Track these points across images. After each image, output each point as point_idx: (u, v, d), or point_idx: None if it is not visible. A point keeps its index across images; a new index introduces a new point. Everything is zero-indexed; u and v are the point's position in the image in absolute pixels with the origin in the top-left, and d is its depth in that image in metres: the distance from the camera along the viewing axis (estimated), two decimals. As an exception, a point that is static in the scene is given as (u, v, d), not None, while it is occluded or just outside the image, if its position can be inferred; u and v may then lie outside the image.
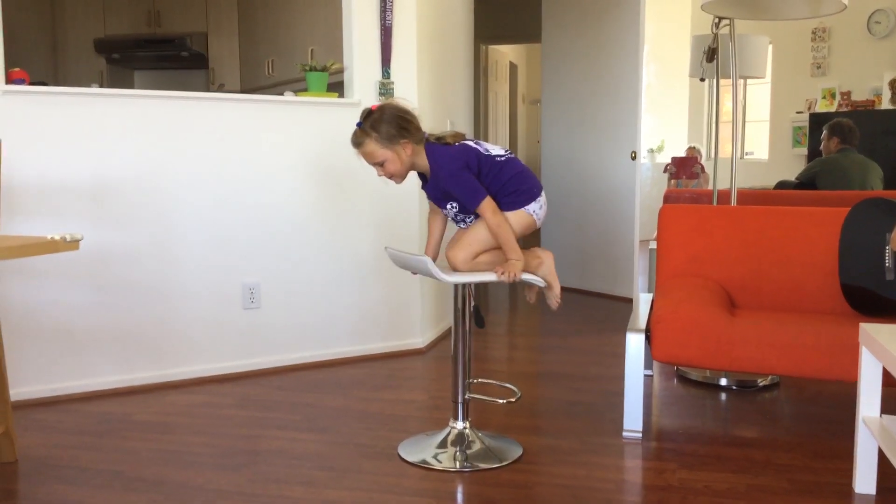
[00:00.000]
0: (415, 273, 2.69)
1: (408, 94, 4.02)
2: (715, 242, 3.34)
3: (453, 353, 2.76)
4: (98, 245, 3.41)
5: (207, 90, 6.65)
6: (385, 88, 4.03)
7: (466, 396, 2.73)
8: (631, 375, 2.85)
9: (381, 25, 4.02)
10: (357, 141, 2.50)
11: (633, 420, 2.88)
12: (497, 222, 2.50)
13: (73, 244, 1.88)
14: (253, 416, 3.13)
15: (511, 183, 2.56)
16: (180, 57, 6.64)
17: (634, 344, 2.85)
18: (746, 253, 3.28)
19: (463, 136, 2.62)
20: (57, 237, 1.88)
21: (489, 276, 2.54)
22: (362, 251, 4.02)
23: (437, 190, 2.58)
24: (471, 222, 2.62)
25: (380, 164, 2.51)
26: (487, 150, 2.58)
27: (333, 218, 3.94)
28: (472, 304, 2.74)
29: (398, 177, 2.54)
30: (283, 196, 3.81)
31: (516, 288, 6.51)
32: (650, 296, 3.57)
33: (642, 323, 3.01)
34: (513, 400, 2.92)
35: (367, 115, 2.49)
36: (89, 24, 6.67)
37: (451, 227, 2.74)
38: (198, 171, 3.60)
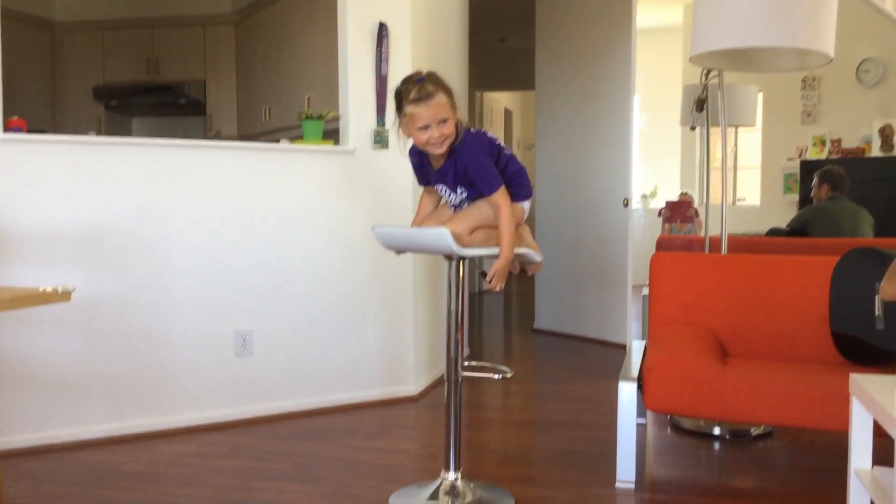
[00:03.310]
0: (399, 252, 2.71)
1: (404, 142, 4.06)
2: (706, 290, 3.36)
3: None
4: (91, 292, 3.41)
5: (204, 136, 6.71)
6: (380, 137, 4.07)
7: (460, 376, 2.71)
8: (624, 425, 2.84)
9: (377, 74, 4.08)
10: (426, 92, 2.43)
11: (626, 470, 2.87)
12: (509, 214, 2.55)
13: (65, 295, 1.89)
14: (243, 466, 3.10)
15: (516, 175, 2.65)
16: (178, 104, 6.71)
17: (627, 393, 2.85)
18: (738, 301, 3.29)
19: (470, 125, 2.68)
20: (49, 289, 1.88)
21: (496, 251, 2.57)
22: (356, 298, 4.03)
23: (453, 173, 2.58)
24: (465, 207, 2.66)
25: (441, 123, 2.46)
26: (499, 142, 2.67)
27: (327, 264, 3.95)
28: (480, 270, 2.78)
29: (449, 139, 2.50)
30: (277, 242, 3.83)
31: (512, 338, 6.51)
32: (643, 343, 3.57)
33: (635, 371, 3.01)
34: (508, 376, 2.90)
35: (426, 74, 2.47)
36: (89, 72, 6.76)
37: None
38: (192, 217, 3.62)
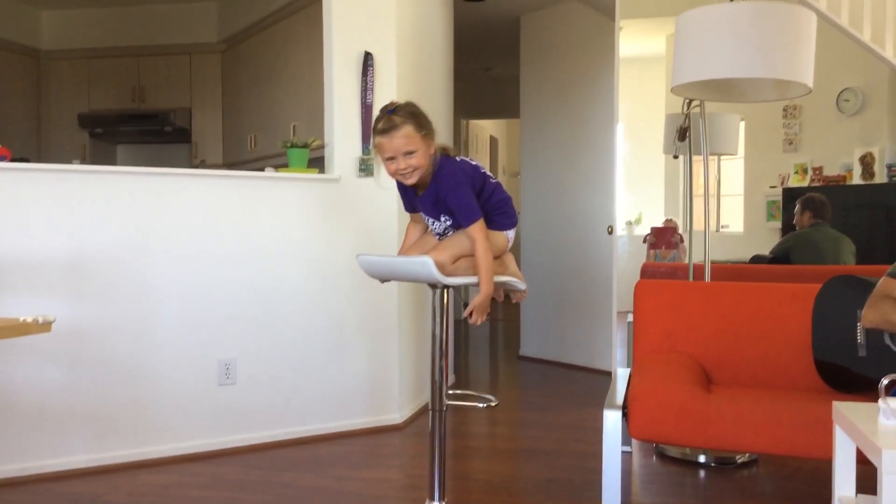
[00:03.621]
0: (384, 281, 2.70)
1: (387, 171, 4.08)
2: (691, 318, 3.37)
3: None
4: (73, 321, 3.39)
5: (190, 164, 6.71)
6: (365, 165, 4.09)
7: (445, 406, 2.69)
8: (609, 453, 2.83)
9: (362, 103, 4.10)
10: (392, 125, 2.44)
11: (611, 498, 2.84)
12: (485, 246, 2.52)
13: (45, 326, 1.87)
14: (226, 497, 3.07)
15: (501, 204, 2.65)
16: (163, 132, 6.71)
17: (612, 421, 2.84)
18: (721, 329, 3.30)
19: (457, 153, 2.68)
20: (29, 319, 1.87)
21: (497, 279, 2.59)
22: (341, 326, 4.02)
23: (433, 201, 2.59)
24: (451, 234, 2.66)
25: (408, 154, 2.46)
26: (484, 170, 2.66)
27: (312, 293, 3.94)
28: (463, 301, 2.76)
29: (419, 171, 2.50)
30: (261, 270, 3.82)
31: (498, 365, 6.50)
32: (628, 371, 3.57)
33: (620, 399, 3.01)
34: (493, 404, 2.88)
35: (397, 106, 2.48)
36: (74, 100, 6.76)
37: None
38: (176, 246, 3.61)
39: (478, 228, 2.52)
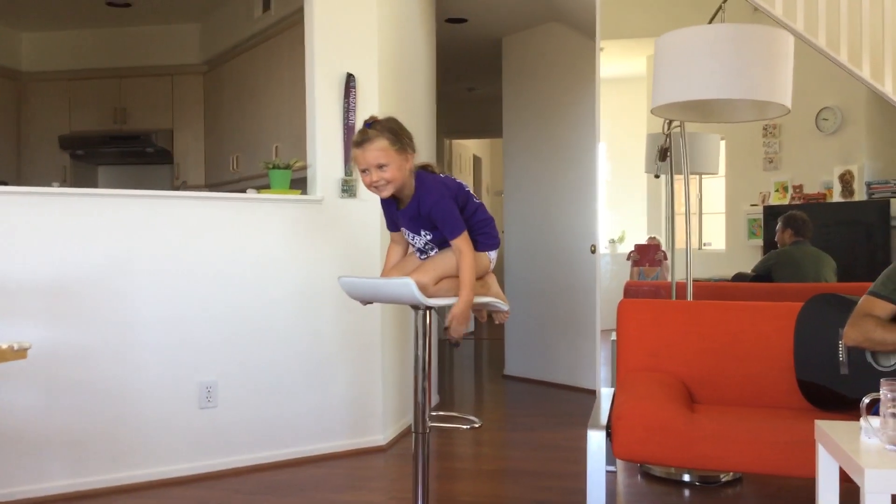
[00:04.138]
0: (366, 303, 2.70)
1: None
2: (673, 337, 3.37)
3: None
4: (52, 345, 3.35)
5: (171, 185, 6.68)
6: (348, 186, 4.08)
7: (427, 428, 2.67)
8: (593, 474, 2.81)
9: (345, 124, 4.10)
10: (366, 137, 2.47)
11: (595, 520, 2.83)
12: (470, 259, 2.53)
13: (20, 353, 1.85)
14: (207, 522, 3.03)
15: (483, 224, 2.65)
16: (145, 153, 6.68)
17: (596, 442, 2.83)
18: (704, 347, 3.30)
19: (441, 170, 2.70)
20: (4, 346, 1.85)
21: (479, 299, 2.59)
22: (323, 347, 3.99)
23: (415, 216, 2.59)
24: (433, 254, 2.65)
25: (381, 167, 2.47)
26: (468, 189, 2.67)
27: (294, 314, 3.92)
28: (445, 326, 2.73)
29: (393, 185, 2.51)
30: (243, 292, 3.79)
31: (483, 385, 6.48)
32: (612, 390, 3.57)
33: (604, 419, 3.00)
34: (476, 426, 2.86)
35: (375, 121, 2.52)
36: (55, 121, 6.71)
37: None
38: (156, 268, 3.59)
39: (462, 240, 2.53)
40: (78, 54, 6.75)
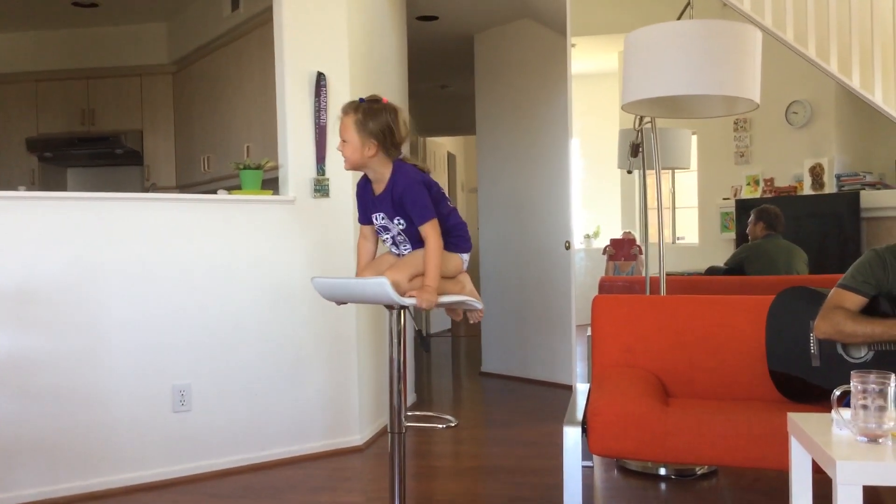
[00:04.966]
0: (340, 304, 2.71)
1: (345, 190, 4.06)
2: (647, 332, 3.38)
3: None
4: (21, 350, 3.30)
5: (142, 187, 6.60)
6: (320, 185, 4.06)
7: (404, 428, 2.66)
8: (569, 469, 2.82)
9: (316, 124, 4.08)
10: (346, 109, 2.59)
11: (572, 515, 2.84)
12: (438, 245, 2.55)
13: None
14: (183, 527, 3.00)
15: (457, 227, 2.69)
16: (114, 154, 6.60)
17: (572, 438, 2.83)
18: (678, 342, 3.32)
19: (426, 169, 2.73)
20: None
21: (454, 298, 2.62)
22: (297, 349, 3.97)
23: (390, 200, 2.60)
24: (406, 251, 2.66)
25: (344, 141, 2.57)
26: (443, 191, 2.70)
27: (268, 316, 3.89)
28: (416, 328, 2.75)
29: (348, 162, 2.60)
30: (215, 294, 3.76)
31: (461, 382, 6.48)
32: (588, 386, 3.58)
33: (580, 415, 3.00)
34: (452, 425, 2.86)
35: (374, 101, 2.58)
36: (22, 123, 6.60)
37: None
38: (127, 271, 3.54)
39: (430, 227, 2.55)
40: (44, 55, 6.65)
